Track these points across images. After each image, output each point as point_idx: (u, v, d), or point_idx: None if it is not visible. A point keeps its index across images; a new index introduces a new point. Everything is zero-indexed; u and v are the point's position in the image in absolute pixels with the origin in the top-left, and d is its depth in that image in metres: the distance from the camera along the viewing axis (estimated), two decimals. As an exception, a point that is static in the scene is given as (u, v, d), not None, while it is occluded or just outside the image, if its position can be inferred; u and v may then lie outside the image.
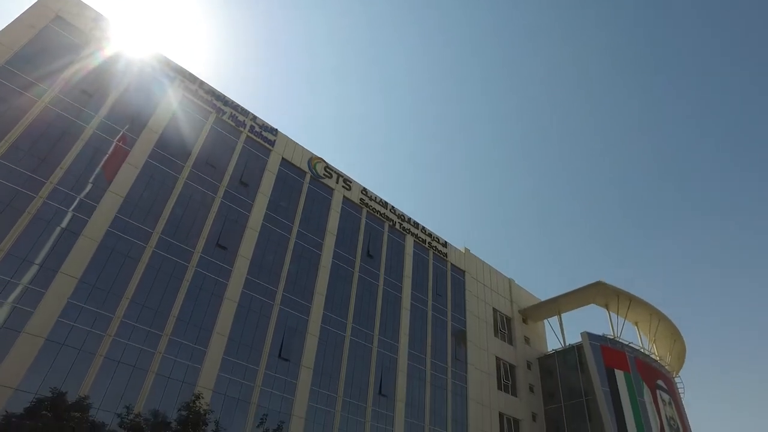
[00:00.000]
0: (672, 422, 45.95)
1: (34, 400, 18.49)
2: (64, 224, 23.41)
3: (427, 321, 39.28)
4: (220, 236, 29.30)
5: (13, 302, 20.64)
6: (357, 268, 36.32)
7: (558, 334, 48.79)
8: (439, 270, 43.47)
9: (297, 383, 28.49)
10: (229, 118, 33.62)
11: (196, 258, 27.59)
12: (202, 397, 21.62)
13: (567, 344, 47.25)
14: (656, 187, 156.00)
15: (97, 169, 25.79)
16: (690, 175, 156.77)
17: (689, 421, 49.33)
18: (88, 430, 18.69)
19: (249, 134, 34.39)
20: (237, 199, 31.43)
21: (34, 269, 21.73)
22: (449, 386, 37.68)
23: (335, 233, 36.19)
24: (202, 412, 20.72)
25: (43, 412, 17.87)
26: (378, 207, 40.71)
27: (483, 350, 42.64)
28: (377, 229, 39.88)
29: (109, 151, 26.67)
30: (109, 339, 22.73)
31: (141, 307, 24.34)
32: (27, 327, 20.47)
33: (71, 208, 23.91)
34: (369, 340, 34.00)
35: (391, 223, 41.03)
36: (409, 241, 41.93)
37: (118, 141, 27.28)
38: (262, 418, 22.43)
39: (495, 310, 47.26)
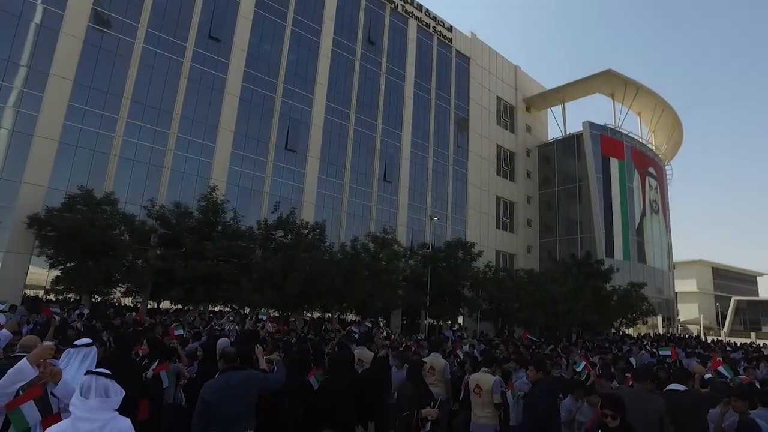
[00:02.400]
0: (654, 205, 49.57)
1: (67, 196, 20.12)
2: (37, 20, 21.91)
3: (430, 109, 39.25)
4: (211, 27, 27.48)
5: (14, 106, 20.80)
6: (358, 57, 34.78)
7: (560, 123, 49.16)
8: (444, 57, 41.45)
9: (305, 172, 30.21)
10: None
11: (189, 53, 26.44)
12: (218, 189, 23.34)
13: (567, 133, 47.93)
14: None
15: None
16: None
17: (671, 202, 53.24)
18: (120, 220, 20.75)
19: None
20: (220, -19, 28.39)
21: (23, 71, 21.23)
22: (450, 172, 39.72)
23: (333, 18, 33.58)
24: (219, 202, 22.61)
25: (78, 206, 19.63)
26: (378, -15, 36.78)
27: (484, 138, 43.56)
28: (378, 13, 36.76)
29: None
30: (119, 139, 23.51)
31: (143, 107, 24.47)
32: (37, 131, 21.08)
33: (39, 1, 22.04)
34: (372, 129, 34.64)
35: (392, 6, 37.58)
36: (412, 25, 38.98)
37: None
38: (275, 206, 24.30)
39: (499, 99, 46.64)
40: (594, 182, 42.90)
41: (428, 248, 30.28)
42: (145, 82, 24.70)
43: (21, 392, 3.26)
